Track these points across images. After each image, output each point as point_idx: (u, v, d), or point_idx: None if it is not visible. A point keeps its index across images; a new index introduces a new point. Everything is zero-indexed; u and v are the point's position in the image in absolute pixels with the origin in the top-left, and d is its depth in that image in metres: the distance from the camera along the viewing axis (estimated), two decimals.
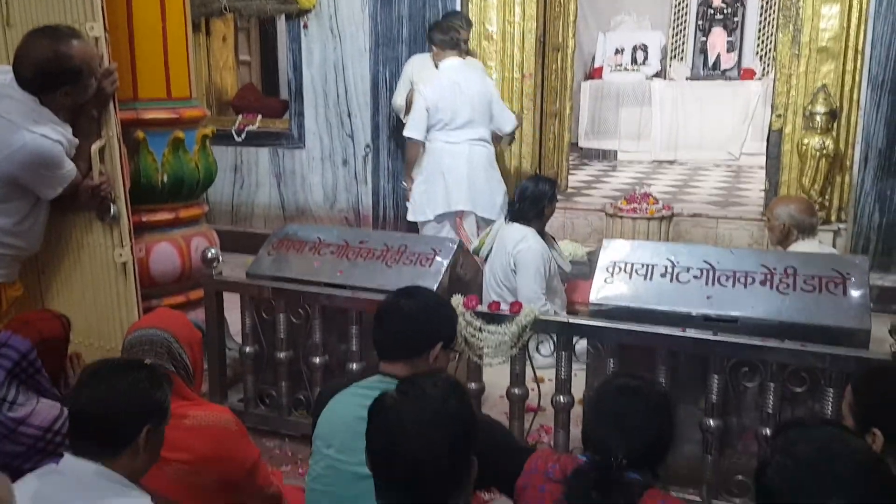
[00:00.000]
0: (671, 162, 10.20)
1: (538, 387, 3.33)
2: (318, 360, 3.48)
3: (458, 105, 5.14)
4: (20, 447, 2.52)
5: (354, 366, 3.37)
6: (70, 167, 2.93)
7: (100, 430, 1.78)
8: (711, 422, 2.82)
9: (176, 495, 2.28)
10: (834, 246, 5.38)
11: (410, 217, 5.42)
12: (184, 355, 2.39)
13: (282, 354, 3.53)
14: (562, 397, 3.06)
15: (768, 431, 2.70)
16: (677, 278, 3.00)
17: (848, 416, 1.89)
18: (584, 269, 5.09)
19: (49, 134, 2.85)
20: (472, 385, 3.16)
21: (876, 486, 1.20)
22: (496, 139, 5.47)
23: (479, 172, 5.21)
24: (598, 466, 1.81)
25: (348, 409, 2.21)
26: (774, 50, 5.79)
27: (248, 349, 3.61)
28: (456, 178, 5.19)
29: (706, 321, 2.87)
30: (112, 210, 3.08)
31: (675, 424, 1.96)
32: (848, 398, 1.95)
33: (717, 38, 10.67)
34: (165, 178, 3.58)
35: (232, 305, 3.68)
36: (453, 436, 1.50)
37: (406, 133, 5.29)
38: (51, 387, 2.71)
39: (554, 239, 4.70)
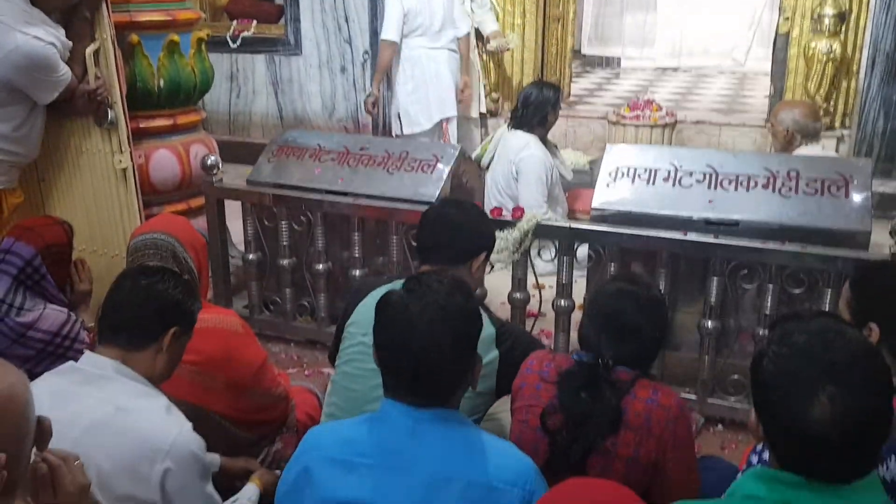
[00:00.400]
0: (675, 69, 10.03)
1: (539, 293, 3.37)
2: (320, 266, 3.51)
3: (435, 7, 5.15)
4: (30, 351, 2.57)
5: (357, 272, 3.40)
6: (65, 71, 2.89)
7: (131, 319, 1.83)
8: (709, 323, 2.86)
9: (188, 396, 2.34)
10: (837, 152, 5.36)
11: (406, 130, 5.37)
12: (188, 259, 2.40)
13: (285, 262, 3.56)
14: (562, 301, 3.10)
15: (764, 332, 2.75)
16: (680, 182, 2.99)
17: (845, 313, 1.92)
18: (586, 177, 5.08)
19: (42, 36, 2.80)
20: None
21: (870, 374, 1.23)
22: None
23: (456, 77, 5.36)
24: (587, 366, 1.85)
25: None
26: None
27: (251, 256, 3.63)
28: (444, 84, 5.27)
29: (707, 225, 2.88)
30: (109, 115, 3.05)
31: (666, 325, 1.99)
32: (845, 295, 1.97)
33: None
34: (162, 83, 3.53)
35: (233, 215, 3.69)
36: (458, 330, 1.52)
37: (383, 36, 5.25)
38: (57, 293, 2.75)
39: (556, 147, 4.67)
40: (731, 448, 2.83)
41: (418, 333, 1.50)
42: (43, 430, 1.44)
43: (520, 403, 1.96)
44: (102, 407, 1.73)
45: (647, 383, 1.87)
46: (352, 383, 2.24)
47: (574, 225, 3.08)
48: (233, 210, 3.67)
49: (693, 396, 2.94)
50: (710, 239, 2.79)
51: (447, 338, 1.50)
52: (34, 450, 1.44)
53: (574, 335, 3.01)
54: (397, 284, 2.24)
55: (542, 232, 3.06)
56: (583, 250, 3.07)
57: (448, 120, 5.40)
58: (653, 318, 1.91)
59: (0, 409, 1.29)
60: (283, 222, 3.50)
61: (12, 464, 1.28)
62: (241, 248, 3.82)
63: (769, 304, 2.77)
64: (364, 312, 2.28)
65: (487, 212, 3.15)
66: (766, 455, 1.78)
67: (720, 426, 2.98)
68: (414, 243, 2.43)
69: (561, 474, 1.84)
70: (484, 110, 6.15)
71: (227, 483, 2.12)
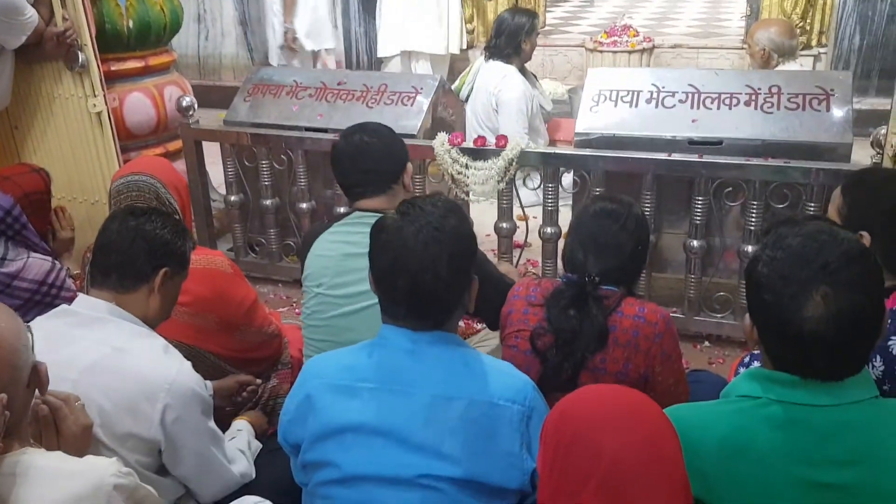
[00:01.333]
0: None
1: (526, 223, 3.38)
2: (304, 205, 3.49)
3: None
4: (17, 301, 2.55)
5: (342, 209, 3.38)
6: (32, 13, 2.80)
7: (121, 260, 1.81)
8: (695, 243, 2.89)
9: (181, 337, 2.34)
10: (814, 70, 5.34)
11: (380, 53, 5.48)
12: (172, 200, 2.38)
13: (268, 202, 3.53)
14: (549, 229, 3.11)
15: (750, 248, 2.78)
16: (662, 103, 2.98)
17: (836, 221, 1.94)
18: (566, 107, 5.04)
19: None
20: None
21: (862, 273, 1.25)
22: None
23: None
24: (575, 284, 1.87)
25: (332, 248, 2.27)
26: None
27: (233, 198, 3.60)
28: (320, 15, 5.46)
29: (691, 144, 2.88)
30: (80, 58, 2.97)
31: (648, 241, 2.02)
32: (836, 202, 1.98)
33: None
34: (131, 24, 3.44)
35: (211, 160, 3.64)
36: (453, 251, 1.52)
37: None
38: (40, 241, 2.71)
39: (536, 77, 4.62)
40: (718, 363, 2.90)
41: (414, 255, 1.50)
42: (40, 376, 1.43)
43: (509, 330, 1.98)
44: (99, 348, 1.73)
45: (634, 301, 1.90)
46: (319, 335, 2.26)
47: (559, 151, 3.07)
48: (210, 155, 3.62)
49: (680, 315, 2.98)
50: (694, 158, 2.80)
51: (443, 259, 1.50)
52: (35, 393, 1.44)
53: (560, 262, 3.04)
54: (342, 225, 2.28)
55: (526, 160, 3.05)
56: (568, 177, 3.07)
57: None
58: (635, 234, 1.93)
59: None
60: (264, 162, 3.46)
61: (11, 405, 1.28)
62: (222, 191, 3.79)
63: (754, 221, 2.79)
64: (313, 262, 2.30)
65: (471, 143, 3.14)
66: (753, 366, 1.82)
67: (707, 343, 3.03)
68: None
69: (553, 393, 1.89)
70: (464, 46, 6.10)
71: (217, 415, 2.12)
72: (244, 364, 2.49)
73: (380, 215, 2.26)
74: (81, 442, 1.52)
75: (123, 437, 1.72)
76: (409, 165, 2.34)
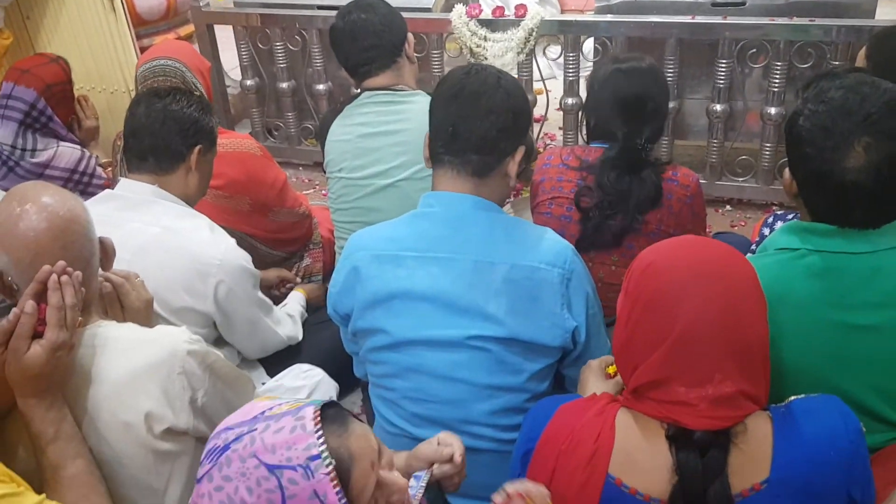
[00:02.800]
0: None
1: (547, 97, 3.35)
2: (321, 87, 3.46)
3: None
4: None
5: (358, 90, 3.35)
6: None
7: (155, 143, 1.84)
8: (718, 107, 2.89)
9: (217, 220, 2.39)
10: None
11: None
12: (198, 83, 2.37)
13: (284, 85, 3.51)
14: (570, 100, 3.09)
15: (773, 110, 2.78)
16: None
17: None
18: None
19: None
20: None
21: None
22: None
23: None
24: (627, 149, 1.90)
25: (348, 131, 2.28)
26: None
27: (248, 82, 3.57)
28: None
29: (714, 6, 2.83)
30: None
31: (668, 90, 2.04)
32: (860, 63, 1.98)
33: None
34: None
35: (223, 45, 3.59)
36: (508, 96, 1.52)
37: None
38: (67, 132, 2.73)
39: None
40: (740, 226, 2.95)
41: (470, 89, 1.52)
42: (106, 250, 1.50)
43: (541, 198, 2.01)
44: (148, 229, 1.79)
45: (667, 165, 1.94)
46: (348, 217, 2.31)
47: (580, 18, 3.02)
48: (223, 41, 3.57)
49: (702, 181, 3.00)
50: (718, 20, 2.76)
51: (497, 97, 1.51)
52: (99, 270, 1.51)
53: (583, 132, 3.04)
54: (353, 107, 2.27)
55: (546, 28, 3.00)
56: (589, 44, 3.03)
57: None
58: (663, 87, 1.96)
59: (67, 231, 1.34)
60: (278, 44, 3.41)
61: (85, 283, 1.35)
62: (235, 76, 3.75)
63: (777, 83, 2.78)
64: (331, 148, 2.31)
65: (489, 14, 3.09)
66: (777, 225, 1.87)
67: (728, 207, 3.08)
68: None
69: (590, 253, 1.95)
70: None
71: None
72: (278, 244, 2.56)
73: (389, 92, 2.29)
74: (144, 316, 1.60)
75: (180, 311, 1.80)
76: (410, 36, 2.31)
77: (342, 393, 2.10)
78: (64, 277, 1.27)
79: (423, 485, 1.23)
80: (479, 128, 1.50)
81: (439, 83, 1.60)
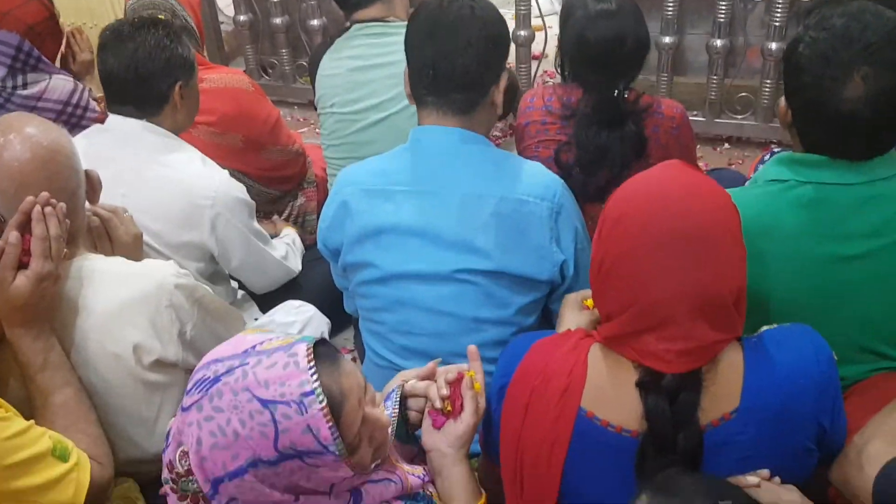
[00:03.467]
0: None
1: (546, 33, 3.28)
2: (315, 22, 3.40)
3: None
4: None
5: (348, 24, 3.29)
6: None
7: (134, 90, 1.80)
8: (718, 42, 2.83)
9: (209, 156, 2.39)
10: None
11: None
12: (188, 17, 2.33)
13: (278, 20, 3.43)
14: None
15: (774, 46, 2.73)
16: None
17: None
18: None
19: None
20: None
21: None
22: None
23: None
24: (604, 100, 1.83)
25: (338, 65, 2.24)
26: None
27: (241, 18, 3.50)
28: None
29: None
30: None
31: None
32: None
33: None
34: None
35: None
36: (484, 24, 1.49)
37: None
38: (58, 69, 2.69)
39: None
40: (737, 164, 2.93)
41: (445, 24, 1.48)
42: (92, 182, 1.49)
43: (528, 142, 1.98)
44: (141, 164, 1.77)
45: (650, 98, 1.89)
46: (340, 153, 2.28)
47: None
48: None
49: (700, 119, 2.98)
50: None
51: (473, 28, 1.48)
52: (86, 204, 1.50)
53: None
54: (343, 41, 2.22)
55: None
56: None
57: None
58: (639, 29, 1.84)
59: (52, 162, 1.33)
60: None
61: (71, 215, 1.34)
62: (228, 12, 3.68)
63: (778, 18, 2.72)
64: (322, 83, 2.27)
65: None
66: None
67: (727, 145, 3.05)
68: None
69: (578, 203, 1.93)
70: None
71: None
72: (271, 182, 2.54)
73: (381, 24, 2.24)
74: (133, 250, 1.60)
75: (178, 245, 1.81)
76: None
77: (334, 329, 2.11)
78: (48, 209, 1.28)
79: (397, 398, 1.25)
80: (459, 64, 1.48)
81: (411, 18, 1.58)
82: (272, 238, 2.31)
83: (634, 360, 1.07)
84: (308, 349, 0.98)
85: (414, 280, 1.53)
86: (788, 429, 1.05)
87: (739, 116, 2.99)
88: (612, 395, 1.09)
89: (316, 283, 2.13)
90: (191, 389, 0.99)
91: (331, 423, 0.95)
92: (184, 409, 0.99)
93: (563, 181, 1.57)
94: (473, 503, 1.20)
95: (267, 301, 2.06)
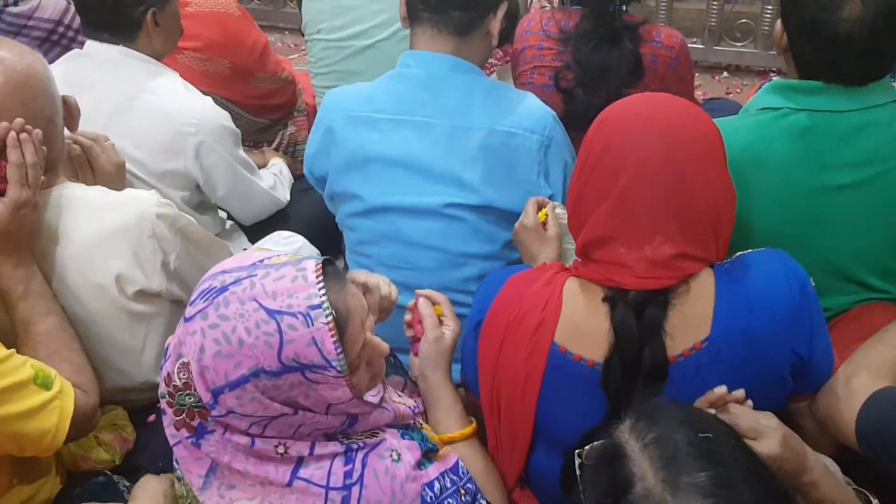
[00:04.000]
0: None
1: None
2: None
3: None
4: (33, 42, 2.48)
5: None
6: None
7: (106, 17, 1.73)
8: None
9: (195, 84, 2.33)
10: None
11: None
12: None
13: None
14: None
15: None
16: None
17: None
18: None
19: None
20: None
21: None
22: None
23: None
24: (601, 17, 1.79)
25: None
26: None
27: None
28: None
29: None
30: None
31: None
32: None
33: None
34: None
35: None
36: None
37: None
38: None
39: None
40: (735, 93, 2.88)
41: None
42: (70, 109, 1.45)
43: (523, 68, 1.93)
44: (123, 90, 1.73)
45: (650, 26, 1.84)
46: (328, 82, 2.22)
47: None
48: None
49: (700, 46, 2.92)
50: None
51: None
52: (66, 132, 1.47)
53: None
54: None
55: None
56: None
57: None
58: None
59: (26, 86, 1.29)
60: None
61: (48, 142, 1.31)
62: None
63: None
64: (307, 8, 2.21)
65: None
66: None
67: (725, 73, 3.00)
68: None
69: (577, 130, 1.89)
70: None
71: None
72: (260, 111, 2.50)
73: None
74: (116, 179, 1.57)
75: (162, 174, 1.77)
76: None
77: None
78: (23, 135, 1.25)
79: None
80: None
81: None
82: (260, 168, 2.31)
83: (605, 279, 1.06)
84: (317, 265, 0.98)
85: (400, 213, 1.51)
86: (760, 357, 1.04)
87: (739, 44, 2.93)
88: (585, 328, 1.08)
89: (305, 213, 2.10)
90: (195, 300, 0.98)
91: (335, 338, 0.94)
92: (186, 320, 0.98)
93: (554, 113, 1.53)
94: (459, 428, 1.21)
95: (256, 232, 2.04)
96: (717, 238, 1.06)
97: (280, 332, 0.93)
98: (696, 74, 2.93)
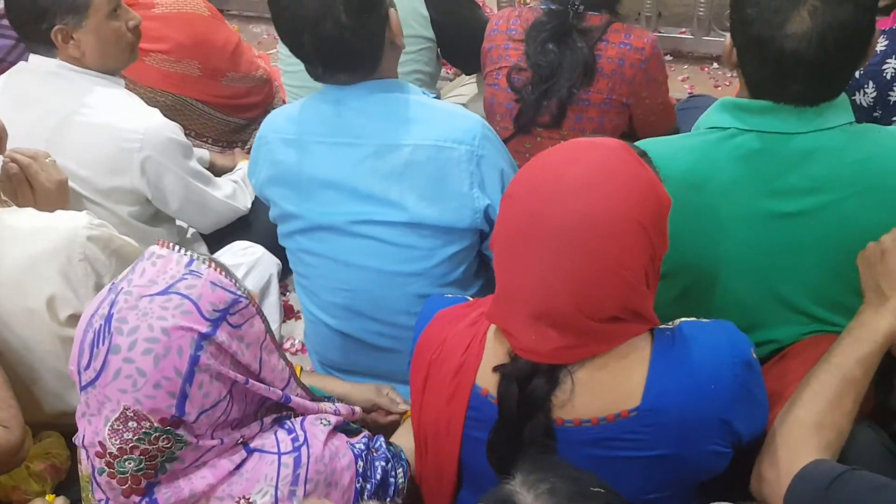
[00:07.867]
0: None
1: None
2: None
3: None
4: (9, 42, 2.45)
5: None
6: None
7: (20, 32, 1.72)
8: None
9: (167, 87, 2.29)
10: None
11: None
12: None
13: None
14: None
15: None
16: None
17: None
18: None
19: None
20: None
21: None
22: None
23: None
24: (556, 14, 1.74)
25: None
26: None
27: None
28: None
29: None
30: None
31: None
32: None
33: None
34: None
35: None
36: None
37: None
38: None
39: None
40: (724, 86, 2.79)
41: (307, 6, 1.35)
42: None
43: (490, 68, 1.89)
44: (64, 104, 1.70)
45: (620, 26, 1.78)
46: (297, 81, 2.16)
47: None
48: None
49: (689, 36, 2.84)
50: None
51: (336, 3, 1.34)
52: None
53: None
54: None
55: None
56: None
57: None
58: None
59: None
60: None
61: None
62: None
63: None
64: (274, 4, 2.14)
65: None
66: None
67: (715, 65, 2.90)
68: None
69: (537, 131, 1.84)
70: None
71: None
72: (234, 111, 2.46)
73: None
74: (57, 198, 1.54)
75: (108, 191, 1.74)
76: None
77: (285, 270, 2.05)
78: None
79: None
80: (328, 37, 1.36)
81: None
82: (230, 170, 2.27)
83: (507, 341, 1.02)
84: (159, 244, 1.02)
85: (331, 232, 1.49)
86: (693, 433, 0.98)
87: (728, 34, 2.83)
88: None
89: (268, 222, 2.06)
90: (91, 350, 0.96)
91: (223, 273, 1.00)
92: (94, 380, 0.96)
93: (484, 122, 1.47)
94: None
95: (216, 240, 2.01)
96: (645, 298, 1.00)
97: (185, 296, 0.96)
98: (685, 66, 2.87)
